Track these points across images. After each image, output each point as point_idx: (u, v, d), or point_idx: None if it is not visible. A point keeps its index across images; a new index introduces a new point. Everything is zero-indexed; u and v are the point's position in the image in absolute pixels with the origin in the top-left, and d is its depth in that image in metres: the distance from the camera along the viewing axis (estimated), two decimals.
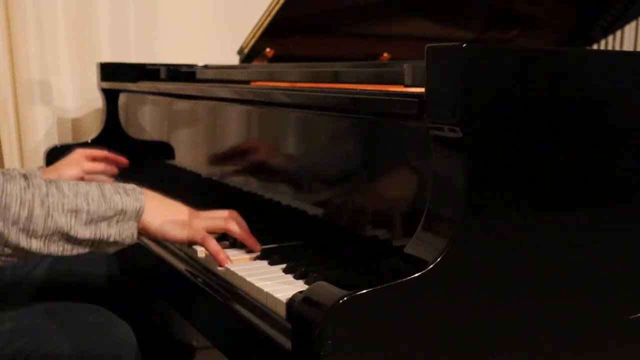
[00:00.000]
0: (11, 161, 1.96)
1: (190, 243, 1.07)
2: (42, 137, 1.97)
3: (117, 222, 0.99)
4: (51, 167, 1.51)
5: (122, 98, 1.91)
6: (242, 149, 1.32)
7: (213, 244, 1.02)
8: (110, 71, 1.91)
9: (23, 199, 0.92)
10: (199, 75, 1.66)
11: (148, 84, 1.76)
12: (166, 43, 2.17)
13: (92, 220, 0.96)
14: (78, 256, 1.48)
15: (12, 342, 1.01)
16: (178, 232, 1.03)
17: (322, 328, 0.70)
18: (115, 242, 1.00)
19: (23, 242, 0.93)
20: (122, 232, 0.99)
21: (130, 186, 1.02)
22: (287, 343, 0.79)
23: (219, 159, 1.41)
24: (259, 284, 0.90)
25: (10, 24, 1.91)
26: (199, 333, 1.12)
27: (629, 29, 2.33)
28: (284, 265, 0.97)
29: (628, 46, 2.38)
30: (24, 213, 0.92)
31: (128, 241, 1.01)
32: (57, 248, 0.96)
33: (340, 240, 1.03)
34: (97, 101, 1.99)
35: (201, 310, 1.07)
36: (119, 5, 2.08)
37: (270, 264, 0.99)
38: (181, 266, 1.11)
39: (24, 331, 1.03)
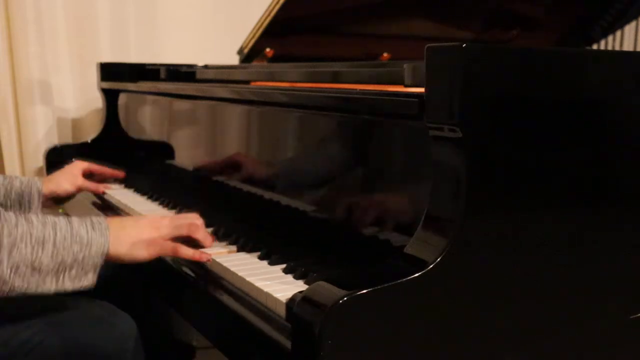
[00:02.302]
0: (11, 161, 1.96)
1: (162, 256, 1.08)
2: (42, 137, 1.97)
3: (83, 256, 0.98)
4: (50, 177, 1.52)
5: (122, 98, 1.91)
6: (242, 150, 1.32)
7: (184, 251, 1.05)
8: (110, 71, 1.91)
9: None
10: (199, 75, 1.66)
11: (148, 84, 1.76)
12: (166, 43, 2.17)
13: (57, 253, 0.95)
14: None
15: (18, 333, 1.02)
16: (146, 253, 1.04)
17: (322, 328, 0.70)
18: (76, 277, 0.98)
19: None
20: (85, 266, 0.98)
21: (96, 220, 1.02)
22: (287, 343, 0.79)
23: (219, 158, 1.41)
24: (259, 284, 0.90)
25: (10, 24, 1.91)
26: (199, 333, 1.12)
27: (629, 29, 2.33)
28: (284, 265, 0.97)
29: (628, 46, 2.38)
30: None
31: (87, 282, 0.99)
32: (21, 282, 0.93)
33: (340, 240, 1.03)
34: (97, 101, 1.99)
35: (201, 310, 1.07)
36: (119, 5, 2.08)
37: (270, 264, 0.99)
38: (180, 266, 1.11)
39: (30, 323, 1.04)
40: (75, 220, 0.99)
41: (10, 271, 0.91)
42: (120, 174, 1.64)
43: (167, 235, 1.06)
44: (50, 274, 0.95)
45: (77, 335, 1.06)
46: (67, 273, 0.96)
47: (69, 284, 0.97)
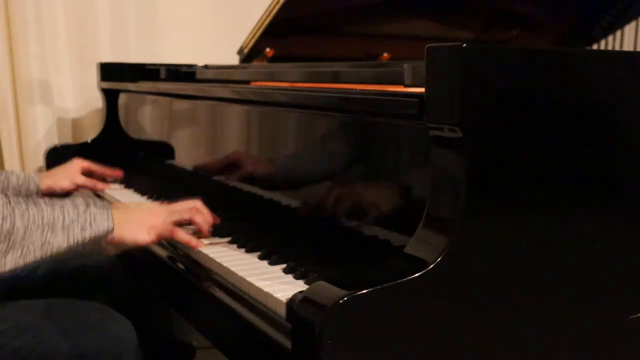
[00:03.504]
0: (11, 161, 1.96)
1: (162, 240, 1.13)
2: (42, 137, 1.97)
3: (90, 234, 1.02)
4: (48, 173, 1.52)
5: (122, 98, 1.90)
6: (242, 150, 1.32)
7: (181, 235, 1.10)
8: (110, 71, 1.91)
9: (4, 213, 0.94)
10: (199, 75, 1.66)
11: (148, 84, 1.76)
12: (166, 43, 2.17)
13: (66, 234, 1.00)
14: (80, 257, 1.49)
15: (13, 341, 1.02)
16: (147, 237, 1.09)
17: (322, 328, 0.70)
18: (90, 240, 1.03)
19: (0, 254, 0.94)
20: (95, 230, 1.03)
21: (101, 203, 1.07)
22: (287, 343, 0.79)
23: (219, 159, 1.41)
24: (259, 283, 0.90)
25: (10, 24, 1.91)
26: (199, 333, 1.12)
27: (629, 29, 2.33)
28: (284, 265, 0.97)
29: (628, 46, 2.38)
30: (6, 226, 0.94)
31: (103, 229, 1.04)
32: (34, 258, 0.98)
33: (340, 240, 1.03)
34: (97, 101, 1.99)
35: (201, 310, 1.07)
36: (119, 5, 2.08)
37: (270, 264, 0.99)
38: (180, 266, 1.11)
39: (24, 330, 1.04)
40: (80, 203, 1.04)
41: (22, 252, 0.96)
42: (119, 173, 1.65)
43: (169, 220, 1.11)
44: (57, 253, 1.00)
45: (73, 340, 1.06)
46: (76, 248, 1.02)
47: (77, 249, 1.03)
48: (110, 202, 1.09)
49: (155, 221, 1.10)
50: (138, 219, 1.09)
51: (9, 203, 0.96)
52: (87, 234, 1.02)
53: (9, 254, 0.95)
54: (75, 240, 1.01)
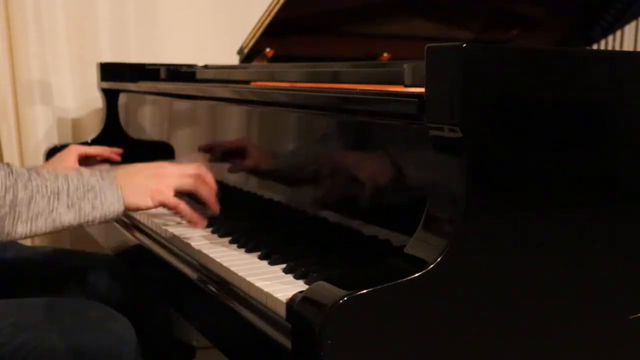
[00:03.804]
0: (11, 161, 1.96)
1: (163, 206, 1.13)
2: (42, 137, 1.97)
3: (94, 205, 1.03)
4: (45, 164, 1.52)
5: (122, 98, 1.90)
6: (242, 149, 1.32)
7: (184, 210, 1.11)
8: (110, 71, 1.91)
9: (7, 185, 0.95)
10: (199, 75, 1.66)
11: (148, 84, 1.76)
12: (166, 43, 2.17)
13: (72, 203, 1.00)
14: (80, 256, 1.49)
15: (13, 339, 1.02)
16: (150, 201, 1.08)
17: (322, 328, 0.70)
18: (99, 217, 1.04)
19: (9, 225, 0.95)
20: (104, 207, 1.03)
21: (104, 169, 1.08)
22: (287, 343, 0.79)
23: (219, 158, 1.41)
24: (259, 283, 0.90)
25: (10, 24, 1.91)
26: (199, 333, 1.12)
27: (629, 29, 2.33)
28: (284, 265, 0.97)
29: (628, 46, 2.38)
30: (9, 197, 0.94)
31: (111, 211, 1.04)
32: (44, 229, 0.99)
33: (340, 240, 1.03)
34: (97, 101, 1.99)
35: (201, 310, 1.07)
36: (119, 5, 2.08)
37: (270, 264, 0.99)
38: (180, 266, 1.11)
39: (24, 328, 1.04)
40: (85, 171, 1.05)
41: (30, 223, 0.97)
42: (117, 151, 1.63)
43: (172, 185, 1.10)
44: (63, 224, 1.00)
45: (73, 338, 1.06)
46: (79, 221, 1.02)
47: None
48: (111, 167, 1.09)
49: (159, 185, 1.09)
50: (141, 184, 1.08)
51: (12, 173, 0.96)
52: (97, 212, 1.02)
53: (18, 224, 0.96)
54: (83, 212, 1.01)
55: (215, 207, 1.14)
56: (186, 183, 1.11)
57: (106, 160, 1.62)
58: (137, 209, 1.09)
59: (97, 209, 1.02)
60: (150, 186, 1.08)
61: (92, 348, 1.06)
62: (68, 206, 0.99)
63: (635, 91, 0.89)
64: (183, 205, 1.11)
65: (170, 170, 1.12)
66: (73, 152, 1.53)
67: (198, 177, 1.12)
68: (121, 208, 1.05)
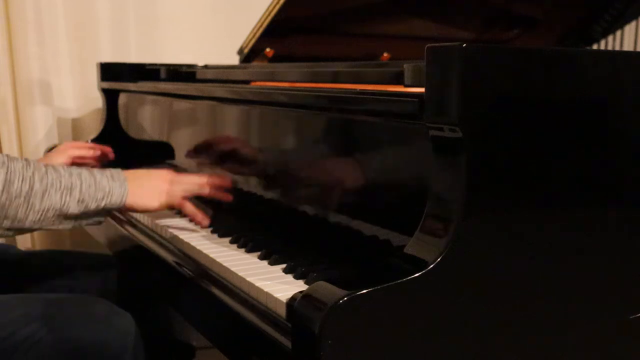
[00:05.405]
0: None
1: (169, 207, 1.19)
2: (42, 137, 1.97)
3: (105, 204, 1.08)
4: (41, 159, 1.52)
5: (122, 98, 1.90)
6: (241, 149, 1.32)
7: (189, 208, 1.16)
8: (110, 71, 1.91)
9: (25, 176, 0.99)
10: (199, 75, 1.66)
11: (148, 84, 1.76)
12: (166, 43, 2.17)
13: (83, 200, 1.05)
14: (80, 256, 1.49)
15: (22, 328, 1.04)
16: (157, 203, 1.14)
17: (322, 328, 0.70)
18: (103, 212, 1.10)
19: (21, 214, 0.99)
20: (108, 203, 1.09)
21: (115, 171, 1.12)
22: (287, 343, 0.79)
23: (219, 158, 1.41)
24: (259, 283, 0.90)
25: (10, 24, 1.91)
26: (198, 333, 1.12)
27: (629, 29, 2.33)
28: (284, 265, 0.97)
29: (628, 46, 2.38)
30: (25, 188, 0.98)
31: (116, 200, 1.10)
32: (50, 223, 1.04)
33: (340, 240, 1.03)
34: (97, 101, 1.99)
35: (201, 310, 1.07)
36: (119, 5, 2.08)
37: (270, 264, 0.99)
38: (181, 266, 1.11)
39: (32, 319, 1.06)
40: (96, 171, 1.10)
41: (41, 215, 1.01)
42: (109, 151, 1.63)
43: (177, 188, 1.16)
44: (73, 218, 1.06)
45: (76, 333, 1.07)
46: (87, 219, 1.08)
47: (84, 223, 1.10)
48: (121, 170, 1.14)
49: (164, 186, 1.14)
50: (148, 186, 1.13)
51: (29, 165, 1.01)
52: (103, 204, 1.07)
53: (30, 214, 1.00)
54: (89, 209, 1.06)
55: (226, 198, 1.21)
56: (193, 190, 1.18)
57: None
58: (145, 211, 1.14)
59: (101, 206, 1.08)
60: (156, 188, 1.13)
61: (97, 341, 1.07)
62: (78, 202, 1.04)
63: (635, 91, 0.89)
64: (187, 205, 1.16)
65: (178, 178, 1.17)
66: (68, 145, 1.55)
67: (204, 184, 1.19)
68: (121, 205, 1.10)
